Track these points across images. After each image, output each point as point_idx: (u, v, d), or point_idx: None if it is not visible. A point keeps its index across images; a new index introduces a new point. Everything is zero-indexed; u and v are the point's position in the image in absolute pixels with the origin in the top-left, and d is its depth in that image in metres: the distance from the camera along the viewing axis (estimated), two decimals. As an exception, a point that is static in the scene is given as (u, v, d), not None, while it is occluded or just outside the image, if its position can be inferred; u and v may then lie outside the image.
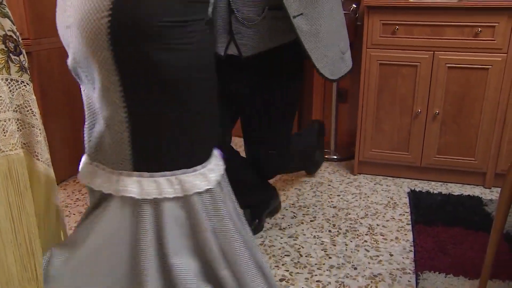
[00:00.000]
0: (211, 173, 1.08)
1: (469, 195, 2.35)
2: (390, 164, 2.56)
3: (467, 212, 2.15)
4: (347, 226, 2.05)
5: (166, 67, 0.92)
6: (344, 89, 2.93)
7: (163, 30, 0.90)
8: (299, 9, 1.45)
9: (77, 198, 2.33)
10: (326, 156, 2.87)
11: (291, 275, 1.68)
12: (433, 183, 2.51)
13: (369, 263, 1.76)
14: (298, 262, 1.77)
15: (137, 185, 1.00)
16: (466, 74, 2.32)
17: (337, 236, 1.97)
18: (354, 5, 2.54)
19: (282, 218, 2.12)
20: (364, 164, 2.62)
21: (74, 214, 2.17)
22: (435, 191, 2.38)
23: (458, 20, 2.27)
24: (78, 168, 1.10)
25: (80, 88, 1.09)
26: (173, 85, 0.95)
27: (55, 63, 2.35)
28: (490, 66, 2.27)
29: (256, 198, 2.04)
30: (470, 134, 2.38)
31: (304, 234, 1.98)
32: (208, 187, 1.06)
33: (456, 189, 2.43)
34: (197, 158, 1.06)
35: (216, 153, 1.15)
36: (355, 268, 1.73)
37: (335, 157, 2.86)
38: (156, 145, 1.00)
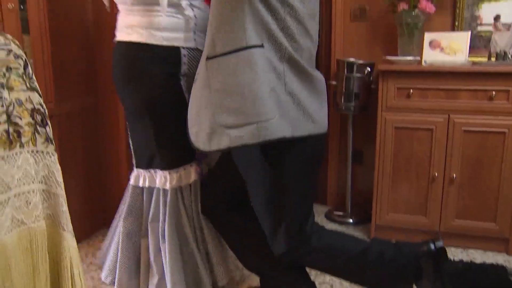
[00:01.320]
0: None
1: (492, 263, 2.26)
2: (408, 229, 2.50)
3: (491, 282, 2.06)
4: (366, 295, 1.97)
5: (128, 103, 1.71)
6: (359, 150, 2.92)
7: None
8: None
9: (90, 262, 2.29)
10: (341, 220, 2.83)
11: None
12: (453, 249, 2.44)
13: (390, 336, 1.68)
14: (316, 334, 1.69)
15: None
16: (482, 137, 2.31)
17: (356, 305, 1.89)
18: (368, 68, 2.59)
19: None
20: (381, 228, 2.56)
21: (86, 279, 2.13)
22: (456, 258, 2.31)
23: (471, 84, 2.29)
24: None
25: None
26: (137, 113, 1.67)
27: (76, 124, 2.40)
28: (507, 130, 2.26)
29: (256, 266, 1.87)
30: (489, 199, 2.33)
31: (322, 303, 1.91)
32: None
33: (478, 256, 2.35)
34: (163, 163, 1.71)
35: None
36: None
37: (351, 220, 2.81)
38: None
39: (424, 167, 2.41)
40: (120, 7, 1.71)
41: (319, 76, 1.52)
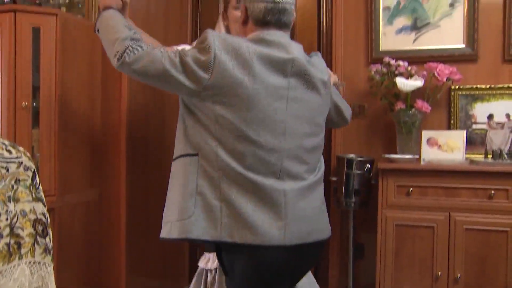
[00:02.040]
0: None
1: None
2: (413, 332, 2.40)
3: None
4: None
5: None
6: (361, 244, 2.88)
7: None
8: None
9: None
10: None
11: None
12: None
13: None
14: None
15: None
16: (485, 236, 2.29)
17: None
18: (368, 165, 2.63)
19: None
20: (385, 330, 2.46)
21: None
22: None
23: (471, 183, 2.31)
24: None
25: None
26: None
27: (77, 218, 2.40)
28: (509, 229, 2.25)
29: None
30: (497, 300, 2.26)
31: None
32: None
33: None
34: None
35: None
36: None
37: (354, 320, 2.71)
38: None
39: (427, 265, 2.36)
40: None
41: (272, 184, 1.45)
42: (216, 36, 1.42)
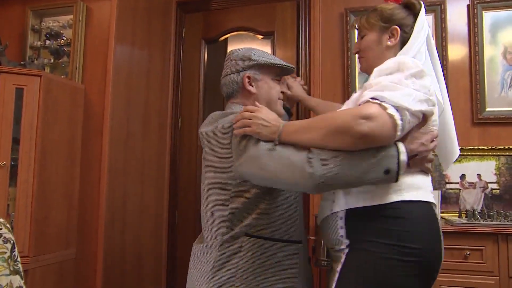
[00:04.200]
0: None
1: None
2: None
3: None
4: None
5: None
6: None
7: None
8: None
9: None
10: None
11: None
12: None
13: None
14: None
15: None
16: (462, 296, 2.30)
17: None
18: (345, 224, 2.65)
19: None
20: None
21: None
22: None
23: (446, 243, 2.32)
24: None
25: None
26: None
27: (51, 278, 2.33)
28: (486, 290, 2.26)
29: None
30: None
31: None
32: None
33: None
34: None
35: None
36: None
37: None
38: None
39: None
40: None
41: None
42: None
